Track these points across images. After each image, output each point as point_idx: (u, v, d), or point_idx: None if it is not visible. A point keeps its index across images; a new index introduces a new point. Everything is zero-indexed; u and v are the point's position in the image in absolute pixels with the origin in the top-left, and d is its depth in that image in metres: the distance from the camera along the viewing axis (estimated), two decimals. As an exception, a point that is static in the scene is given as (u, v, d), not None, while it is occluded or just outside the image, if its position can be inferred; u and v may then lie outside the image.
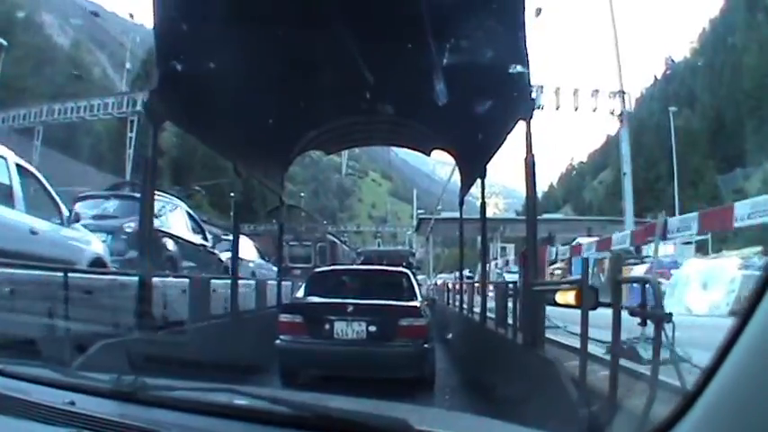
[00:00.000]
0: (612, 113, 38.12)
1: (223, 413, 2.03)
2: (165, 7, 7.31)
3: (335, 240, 31.68)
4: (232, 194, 24.79)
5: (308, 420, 1.87)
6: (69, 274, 6.58)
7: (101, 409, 2.05)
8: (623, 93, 38.15)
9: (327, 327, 8.52)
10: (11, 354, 3.75)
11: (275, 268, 17.31)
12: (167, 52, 7.66)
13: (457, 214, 16.84)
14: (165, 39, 7.54)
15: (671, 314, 3.70)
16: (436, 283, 32.40)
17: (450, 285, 21.75)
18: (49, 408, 2.02)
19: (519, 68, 6.97)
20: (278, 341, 8.67)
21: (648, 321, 3.88)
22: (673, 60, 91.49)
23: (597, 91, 37.63)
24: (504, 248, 47.23)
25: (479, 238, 32.79)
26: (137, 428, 1.92)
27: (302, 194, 76.94)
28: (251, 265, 17.67)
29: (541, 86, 34.07)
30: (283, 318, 8.86)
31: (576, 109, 37.34)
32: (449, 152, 14.05)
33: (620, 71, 37.40)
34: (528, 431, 2.17)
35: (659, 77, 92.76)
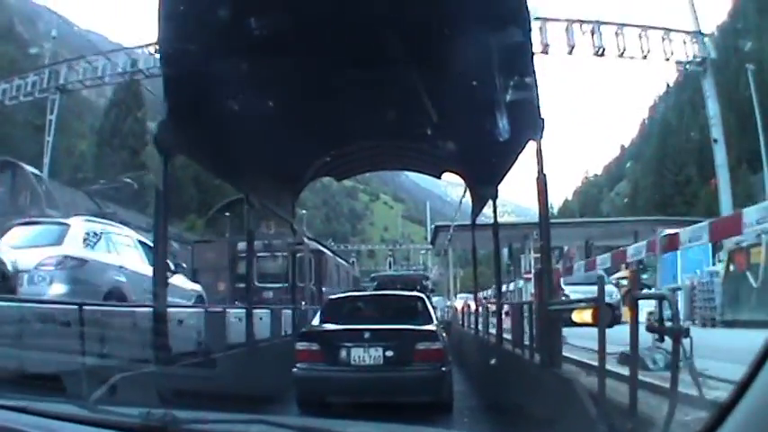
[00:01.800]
0: (685, 62, 29.93)
1: None
2: (172, 38, 7.37)
3: (322, 249, 23.95)
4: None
5: None
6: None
7: None
8: (701, 34, 29.71)
9: (344, 353, 8.53)
10: (34, 391, 3.64)
11: (193, 288, 13.45)
12: (176, 84, 7.69)
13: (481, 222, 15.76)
14: (172, 70, 7.58)
15: (688, 329, 3.72)
16: (456, 307, 27.49)
17: (468, 307, 19.65)
18: None
19: (527, 88, 7.01)
20: (295, 369, 8.69)
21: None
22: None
23: (646, 31, 29.12)
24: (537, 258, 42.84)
25: (506, 251, 32.42)
26: None
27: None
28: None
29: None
30: (300, 346, 8.86)
31: (623, 53, 29.21)
32: (459, 174, 14.08)
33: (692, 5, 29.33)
34: None
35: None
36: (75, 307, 6.50)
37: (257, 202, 12.01)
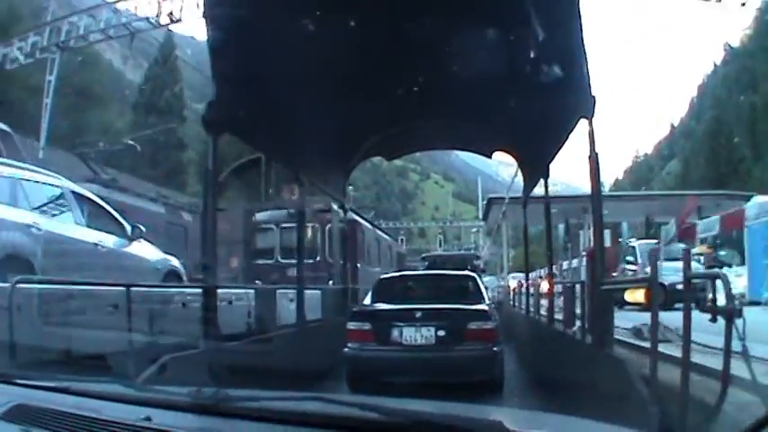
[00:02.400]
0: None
1: (314, 422, 1.91)
2: (219, 17, 7.39)
3: (357, 220, 19.52)
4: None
5: (405, 427, 1.79)
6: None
7: (180, 424, 1.99)
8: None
9: (396, 333, 8.59)
10: (79, 371, 3.72)
11: (162, 259, 11.16)
12: (223, 63, 7.71)
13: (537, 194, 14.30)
14: (219, 49, 7.59)
15: (741, 309, 3.65)
16: (509, 286, 25.86)
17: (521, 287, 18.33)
18: (124, 425, 1.93)
19: (578, 65, 6.91)
20: (346, 349, 8.77)
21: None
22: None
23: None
24: None
25: (562, 227, 31.66)
26: None
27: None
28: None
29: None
30: (352, 325, 8.94)
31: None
32: (510, 153, 13.94)
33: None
34: (618, 429, 2.07)
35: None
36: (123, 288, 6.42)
37: (307, 181, 12.06)
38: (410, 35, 8.33)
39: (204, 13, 7.35)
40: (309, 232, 17.08)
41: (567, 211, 28.06)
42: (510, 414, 2.63)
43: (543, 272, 20.09)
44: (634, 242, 20.84)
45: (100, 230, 9.60)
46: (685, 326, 4.19)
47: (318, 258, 17.36)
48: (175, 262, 11.38)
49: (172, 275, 11.01)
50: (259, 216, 18.73)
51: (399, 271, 21.27)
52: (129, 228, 10.05)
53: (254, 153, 20.91)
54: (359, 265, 17.69)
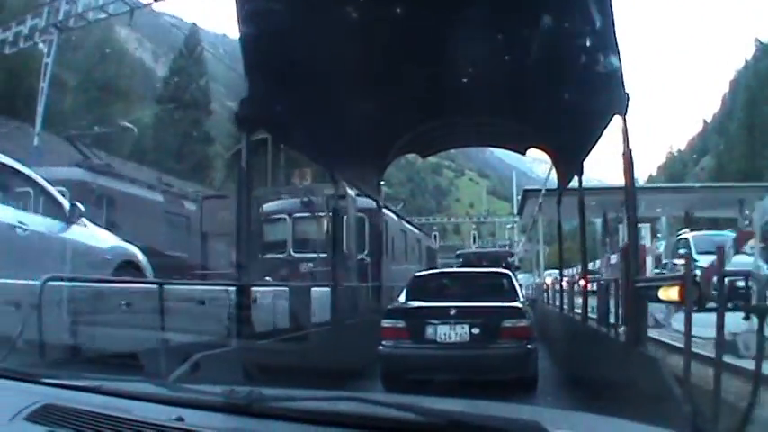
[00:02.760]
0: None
1: (349, 423, 1.87)
2: (252, 13, 7.43)
3: (377, 208, 15.73)
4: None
5: (441, 427, 1.76)
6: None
7: (213, 424, 1.96)
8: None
9: (430, 330, 8.59)
10: (109, 370, 3.42)
11: (116, 246, 9.19)
12: (256, 61, 7.74)
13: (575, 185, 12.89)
14: (252, 47, 7.64)
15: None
16: (544, 284, 24.72)
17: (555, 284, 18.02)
18: (156, 425, 1.89)
19: (611, 63, 6.88)
20: (381, 347, 8.80)
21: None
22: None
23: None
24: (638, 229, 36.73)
25: (599, 221, 30.89)
26: None
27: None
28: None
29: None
30: (386, 323, 8.95)
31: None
32: (544, 150, 13.90)
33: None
34: (652, 429, 2.02)
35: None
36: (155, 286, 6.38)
37: (341, 178, 12.04)
38: (445, 33, 8.34)
39: (237, 10, 7.37)
40: (324, 223, 15.32)
41: (605, 205, 26.08)
42: (546, 414, 2.60)
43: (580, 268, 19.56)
44: (687, 234, 20.07)
45: (25, 210, 7.85)
46: (719, 324, 4.17)
47: (345, 252, 14.52)
48: (134, 250, 9.40)
49: (127, 267, 9.06)
50: (268, 207, 17.01)
51: (430, 267, 20.89)
52: (65, 203, 8.29)
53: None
54: (382, 260, 15.72)
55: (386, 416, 1.84)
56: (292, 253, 16.35)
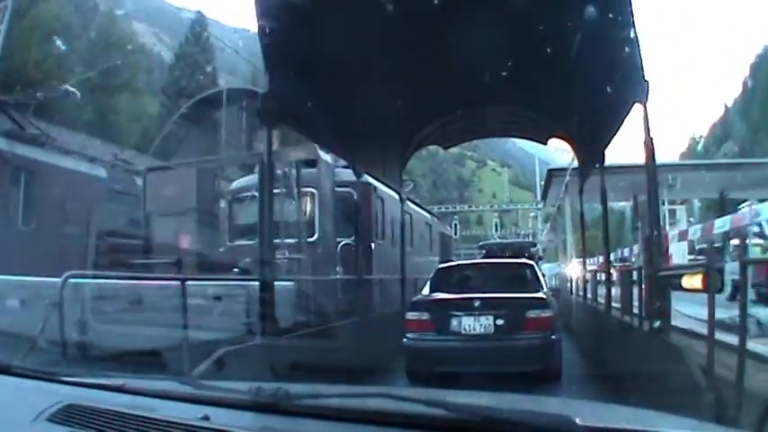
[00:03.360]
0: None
1: (378, 420, 1.85)
2: (271, 7, 7.44)
3: (366, 182, 13.01)
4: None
5: (472, 423, 1.74)
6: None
7: (240, 423, 1.92)
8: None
9: (455, 322, 8.61)
10: (132, 368, 3.46)
11: None
12: (278, 54, 7.75)
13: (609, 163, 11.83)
14: (273, 40, 7.62)
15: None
16: (569, 273, 22.33)
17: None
18: (181, 424, 1.86)
19: (631, 50, 6.84)
20: (405, 339, 8.82)
21: None
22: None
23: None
24: (673, 212, 32.01)
25: (629, 205, 29.90)
26: None
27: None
28: None
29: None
30: (410, 315, 8.98)
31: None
32: (565, 139, 13.85)
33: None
34: (691, 422, 1.99)
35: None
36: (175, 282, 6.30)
37: (363, 170, 12.01)
38: (466, 24, 8.33)
39: (255, 3, 7.35)
40: (293, 201, 11.85)
41: (636, 187, 22.43)
42: (573, 406, 2.57)
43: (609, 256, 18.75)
44: (755, 204, 18.55)
45: None
46: (742, 309, 4.15)
47: (316, 236, 12.26)
48: None
49: None
50: (237, 183, 14.21)
51: (445, 258, 19.99)
52: None
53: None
54: (373, 245, 13.32)
55: (415, 412, 1.82)
56: (227, 242, 13.73)
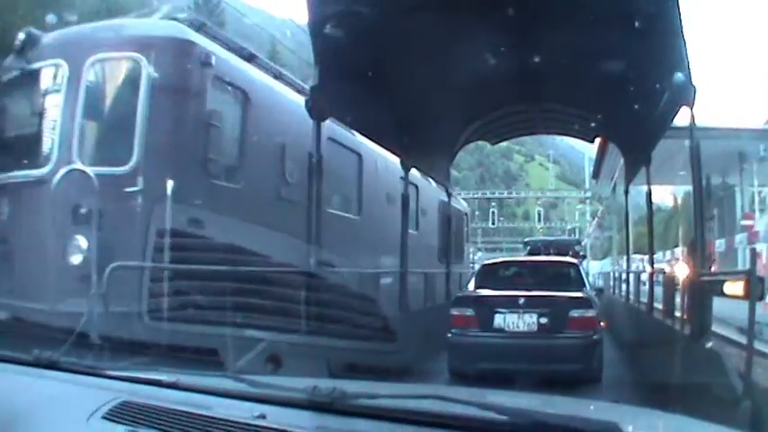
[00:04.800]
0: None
1: (431, 422, 1.84)
2: (322, 3, 7.49)
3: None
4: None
5: (525, 428, 1.76)
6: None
7: (296, 422, 1.90)
8: None
9: (499, 319, 8.68)
10: (187, 364, 3.34)
11: None
12: (327, 47, 7.77)
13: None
14: (324, 32, 7.66)
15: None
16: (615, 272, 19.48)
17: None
18: (237, 423, 1.85)
19: (679, 53, 6.83)
20: (449, 335, 8.92)
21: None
22: None
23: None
24: (763, 198, 27.45)
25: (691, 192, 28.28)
26: None
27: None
28: None
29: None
30: (455, 311, 9.06)
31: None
32: (612, 140, 13.78)
33: None
34: (718, 428, 2.00)
35: None
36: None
37: (411, 165, 12.02)
38: (516, 22, 8.34)
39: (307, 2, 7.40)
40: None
41: (711, 163, 18.93)
42: (621, 412, 2.56)
43: (666, 254, 17.75)
44: None
45: None
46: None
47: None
48: None
49: None
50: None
51: (452, 244, 16.30)
52: None
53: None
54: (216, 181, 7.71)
55: (468, 415, 1.83)
56: None
